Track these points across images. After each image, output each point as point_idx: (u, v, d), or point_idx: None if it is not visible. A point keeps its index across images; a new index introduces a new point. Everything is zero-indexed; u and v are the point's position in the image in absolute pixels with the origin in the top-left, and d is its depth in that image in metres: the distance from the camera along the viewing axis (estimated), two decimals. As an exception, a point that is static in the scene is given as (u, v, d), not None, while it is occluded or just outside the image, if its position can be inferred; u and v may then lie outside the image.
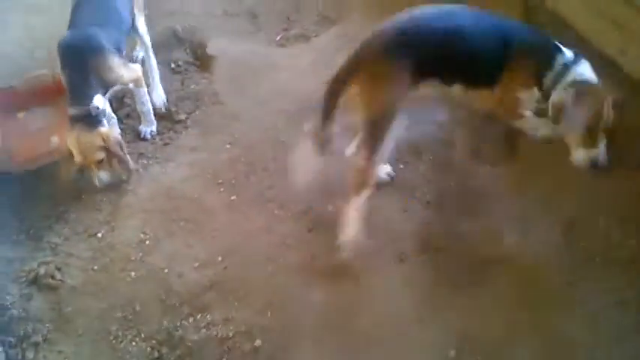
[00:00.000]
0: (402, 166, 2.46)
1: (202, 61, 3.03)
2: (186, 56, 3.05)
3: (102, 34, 2.37)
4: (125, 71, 2.47)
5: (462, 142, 2.51)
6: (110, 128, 2.42)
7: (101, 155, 2.34)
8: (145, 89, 2.62)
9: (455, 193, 2.36)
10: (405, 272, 2.13)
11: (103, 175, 2.38)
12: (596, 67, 2.05)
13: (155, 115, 2.69)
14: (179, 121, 2.72)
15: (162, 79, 2.88)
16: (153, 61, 2.80)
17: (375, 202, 2.30)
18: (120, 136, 2.46)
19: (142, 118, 2.67)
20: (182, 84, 2.90)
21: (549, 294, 2.05)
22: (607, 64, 2.51)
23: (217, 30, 3.19)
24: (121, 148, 2.40)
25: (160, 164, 2.56)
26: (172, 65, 2.99)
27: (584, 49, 2.29)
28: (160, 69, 2.90)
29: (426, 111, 2.65)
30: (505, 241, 2.17)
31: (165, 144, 2.65)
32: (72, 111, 2.31)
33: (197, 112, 2.74)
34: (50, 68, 2.71)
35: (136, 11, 2.68)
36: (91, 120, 2.32)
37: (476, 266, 2.11)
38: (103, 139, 2.33)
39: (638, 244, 2.13)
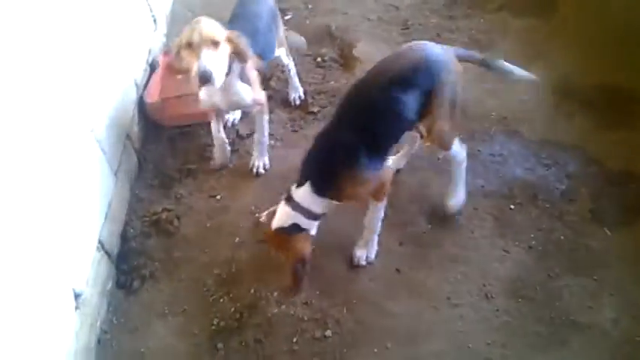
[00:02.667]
0: (512, 207, 2.42)
1: (347, 60, 3.18)
2: (333, 53, 3.22)
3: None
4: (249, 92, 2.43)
5: (584, 199, 2.41)
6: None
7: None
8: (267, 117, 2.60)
9: (562, 247, 2.27)
10: (486, 311, 2.11)
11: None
12: None
13: (291, 105, 2.87)
14: (311, 112, 2.89)
15: (307, 70, 3.08)
16: (291, 64, 2.88)
17: (476, 234, 2.31)
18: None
19: (255, 149, 2.63)
20: (323, 78, 3.08)
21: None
22: None
23: (368, 34, 3.33)
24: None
25: (285, 148, 2.74)
26: (318, 59, 3.18)
27: None
28: (307, 61, 3.10)
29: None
30: (601, 311, 2.07)
31: (294, 131, 2.83)
32: None
33: (329, 108, 2.88)
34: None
35: (277, 43, 2.69)
36: None
37: (560, 326, 2.04)
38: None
39: None
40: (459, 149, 2.26)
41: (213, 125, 2.59)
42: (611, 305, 2.08)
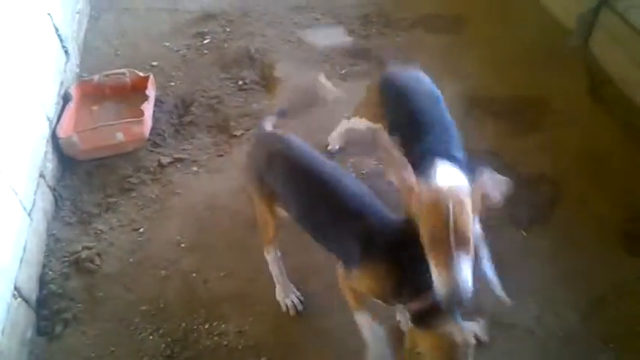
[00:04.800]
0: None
1: (268, 82, 3.19)
2: (254, 76, 3.22)
3: None
4: None
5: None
6: None
7: None
8: None
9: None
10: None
11: None
12: None
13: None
14: (235, 136, 2.87)
15: (228, 94, 3.07)
16: None
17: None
18: None
19: None
20: (245, 101, 3.07)
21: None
22: None
23: (288, 55, 3.36)
24: None
25: (210, 174, 2.71)
26: (240, 82, 3.17)
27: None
28: (228, 84, 3.09)
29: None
30: (524, 310, 2.15)
31: (219, 155, 2.80)
32: None
33: (254, 130, 2.88)
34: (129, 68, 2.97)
35: None
36: None
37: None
38: None
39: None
40: None
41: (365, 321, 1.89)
42: (533, 304, 2.18)
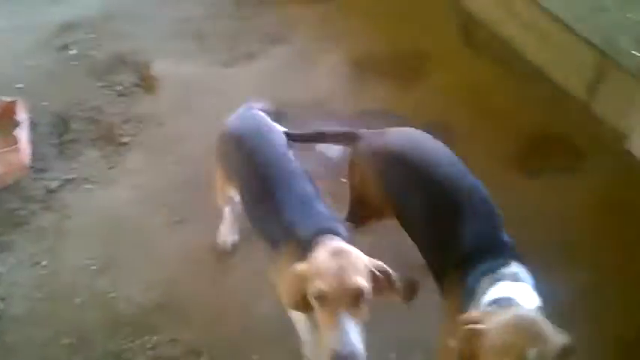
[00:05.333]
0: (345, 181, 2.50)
1: (147, 82, 3.04)
2: (132, 78, 3.06)
3: None
4: None
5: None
6: None
7: None
8: None
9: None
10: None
11: None
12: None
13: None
14: (123, 144, 2.73)
15: (108, 102, 2.90)
16: None
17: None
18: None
19: None
20: (127, 106, 2.92)
21: None
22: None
23: (163, 52, 3.22)
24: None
25: (105, 189, 2.56)
26: (118, 88, 3.00)
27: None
28: (105, 92, 2.92)
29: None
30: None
31: (110, 167, 2.65)
32: None
33: (142, 134, 2.75)
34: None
35: None
36: None
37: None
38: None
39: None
40: None
41: None
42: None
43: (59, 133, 2.78)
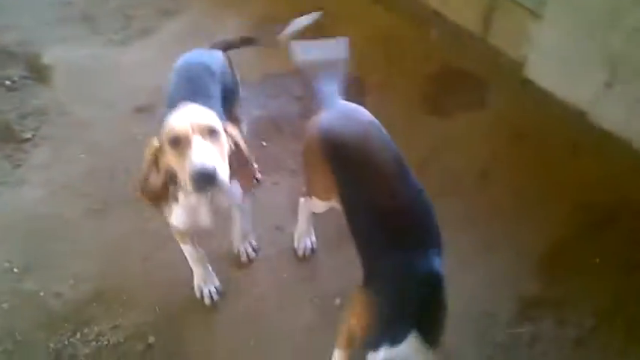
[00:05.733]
0: (265, 144, 2.56)
1: (40, 73, 2.87)
2: (22, 71, 2.88)
3: None
4: None
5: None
6: None
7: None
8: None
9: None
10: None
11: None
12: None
13: None
14: (26, 140, 2.58)
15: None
16: None
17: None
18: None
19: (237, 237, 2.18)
20: (21, 100, 2.74)
21: None
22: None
23: (51, 39, 3.03)
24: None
25: (14, 189, 2.42)
26: (7, 83, 2.81)
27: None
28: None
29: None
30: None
31: (16, 166, 2.50)
32: None
33: (44, 127, 2.62)
34: None
35: None
36: None
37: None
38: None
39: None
40: None
41: (188, 250, 2.00)
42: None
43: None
